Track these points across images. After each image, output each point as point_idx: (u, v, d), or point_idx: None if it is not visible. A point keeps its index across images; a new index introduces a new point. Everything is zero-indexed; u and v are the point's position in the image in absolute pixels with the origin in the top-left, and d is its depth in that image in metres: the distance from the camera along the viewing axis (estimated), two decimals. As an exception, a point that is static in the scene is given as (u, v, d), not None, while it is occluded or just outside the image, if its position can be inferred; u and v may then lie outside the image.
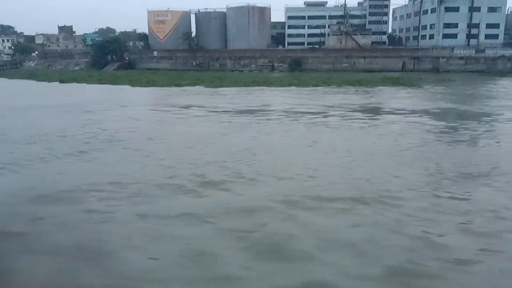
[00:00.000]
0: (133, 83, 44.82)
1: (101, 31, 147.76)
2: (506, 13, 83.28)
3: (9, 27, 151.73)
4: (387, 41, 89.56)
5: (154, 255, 6.92)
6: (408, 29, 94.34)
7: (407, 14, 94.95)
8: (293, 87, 39.58)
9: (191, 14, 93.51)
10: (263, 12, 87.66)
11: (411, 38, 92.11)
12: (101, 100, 29.22)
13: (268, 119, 20.59)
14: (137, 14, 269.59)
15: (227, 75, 60.13)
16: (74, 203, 9.03)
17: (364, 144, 14.79)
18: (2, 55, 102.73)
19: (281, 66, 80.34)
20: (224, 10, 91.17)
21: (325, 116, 21.63)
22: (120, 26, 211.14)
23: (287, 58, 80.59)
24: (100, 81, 48.36)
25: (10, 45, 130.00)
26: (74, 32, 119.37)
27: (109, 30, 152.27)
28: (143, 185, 10.14)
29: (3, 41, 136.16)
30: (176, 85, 42.06)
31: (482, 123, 19.83)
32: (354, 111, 23.71)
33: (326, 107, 25.09)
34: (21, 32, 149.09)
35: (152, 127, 18.71)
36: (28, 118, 21.04)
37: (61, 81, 49.25)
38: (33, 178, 10.82)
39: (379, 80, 46.64)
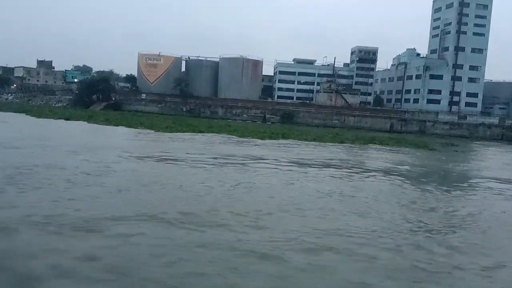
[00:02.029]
0: (154, 127, 42.43)
1: (77, 68, 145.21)
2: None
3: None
4: (371, 102, 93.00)
5: None
6: (390, 92, 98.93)
7: (389, 78, 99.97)
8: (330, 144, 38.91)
9: (182, 61, 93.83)
10: (256, 65, 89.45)
11: (393, 100, 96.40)
12: (176, 149, 27.01)
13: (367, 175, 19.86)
14: (114, 54, 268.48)
15: (233, 124, 59.42)
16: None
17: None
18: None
19: (273, 117, 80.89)
20: (215, 59, 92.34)
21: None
22: (95, 65, 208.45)
23: (279, 111, 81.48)
24: (108, 122, 46.20)
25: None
26: (53, 68, 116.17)
27: (86, 68, 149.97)
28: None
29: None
30: (199, 132, 40.73)
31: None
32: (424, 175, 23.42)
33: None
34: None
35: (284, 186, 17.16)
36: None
37: (67, 119, 46.75)
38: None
39: (389, 139, 47.38)
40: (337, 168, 22.47)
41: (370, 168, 23.52)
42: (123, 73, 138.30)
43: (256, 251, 9.04)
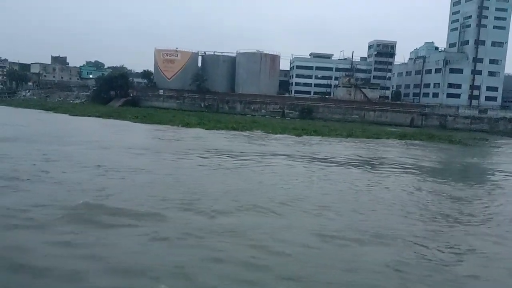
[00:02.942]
0: (205, 126, 41.70)
1: (89, 64, 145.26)
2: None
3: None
4: (389, 96, 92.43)
5: None
6: (407, 86, 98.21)
7: (406, 72, 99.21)
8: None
9: (198, 56, 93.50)
10: (274, 60, 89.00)
11: (411, 95, 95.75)
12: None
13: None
14: (122, 49, 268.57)
15: (258, 120, 59.00)
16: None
17: None
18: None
19: (292, 113, 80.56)
20: (231, 54, 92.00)
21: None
22: (105, 61, 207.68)
23: (298, 106, 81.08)
24: (141, 119, 45.91)
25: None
26: (68, 64, 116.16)
27: (98, 63, 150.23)
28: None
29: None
30: (233, 129, 40.41)
31: None
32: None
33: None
34: (4, 59, 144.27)
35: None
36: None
37: (100, 116, 46.69)
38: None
39: (420, 135, 46.95)
40: (420, 171, 22.04)
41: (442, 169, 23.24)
42: (133, 69, 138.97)
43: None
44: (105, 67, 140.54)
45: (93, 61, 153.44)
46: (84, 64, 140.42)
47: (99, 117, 46.82)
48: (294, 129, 44.22)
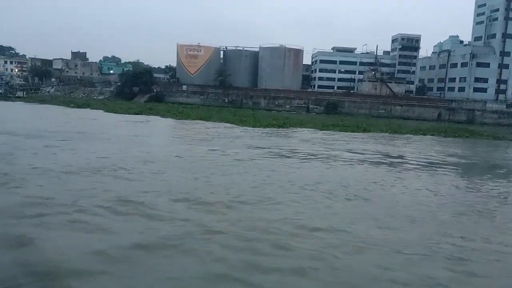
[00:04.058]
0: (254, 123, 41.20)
1: (105, 59, 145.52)
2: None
3: (10, 48, 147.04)
4: (414, 91, 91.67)
5: None
6: (431, 80, 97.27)
7: (430, 66, 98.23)
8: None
9: (220, 51, 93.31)
10: (298, 54, 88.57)
11: (434, 89, 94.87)
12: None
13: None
14: (134, 44, 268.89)
15: (290, 116, 58.60)
16: None
17: None
18: (14, 78, 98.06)
19: (317, 108, 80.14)
20: (253, 49, 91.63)
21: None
22: (123, 56, 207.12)
23: (323, 101, 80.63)
24: (186, 116, 45.57)
25: (15, 67, 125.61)
26: (87, 59, 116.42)
27: (115, 58, 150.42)
28: None
29: (5, 62, 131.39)
30: (269, 125, 39.85)
31: None
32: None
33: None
34: (22, 55, 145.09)
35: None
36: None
37: (139, 113, 46.81)
38: None
39: (461, 130, 46.38)
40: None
41: None
42: (150, 64, 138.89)
43: None
44: (121, 62, 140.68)
45: (110, 56, 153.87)
46: (101, 59, 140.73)
47: (138, 114, 46.77)
48: (336, 125, 43.70)
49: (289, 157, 21.13)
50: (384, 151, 25.85)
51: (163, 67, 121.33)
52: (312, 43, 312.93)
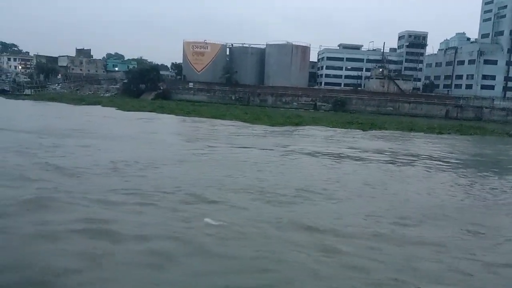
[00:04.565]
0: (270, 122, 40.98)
1: (108, 56, 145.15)
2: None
3: (13, 45, 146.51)
4: (420, 88, 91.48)
5: None
6: (437, 77, 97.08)
7: (436, 63, 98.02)
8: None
9: (226, 48, 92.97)
10: (305, 51, 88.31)
11: (441, 86, 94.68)
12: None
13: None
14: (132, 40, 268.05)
15: (303, 114, 58.30)
16: None
17: None
18: (19, 75, 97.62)
19: (324, 105, 79.90)
20: (259, 46, 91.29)
21: None
22: (126, 53, 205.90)
23: (330, 98, 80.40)
24: (191, 114, 45.65)
25: (18, 64, 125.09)
26: (91, 56, 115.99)
27: (118, 55, 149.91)
28: None
29: (8, 59, 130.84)
30: (306, 124, 39.67)
31: None
32: None
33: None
34: (25, 52, 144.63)
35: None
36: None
37: (153, 110, 46.68)
38: None
39: (470, 128, 46.26)
40: None
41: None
42: (153, 61, 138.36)
43: None
44: (125, 59, 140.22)
45: (113, 53, 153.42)
46: (104, 57, 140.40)
47: (151, 112, 46.64)
48: (359, 123, 43.43)
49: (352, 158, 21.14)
50: (414, 151, 25.74)
51: (165, 64, 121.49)
52: (310, 42, 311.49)
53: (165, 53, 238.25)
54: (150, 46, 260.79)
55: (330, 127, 38.75)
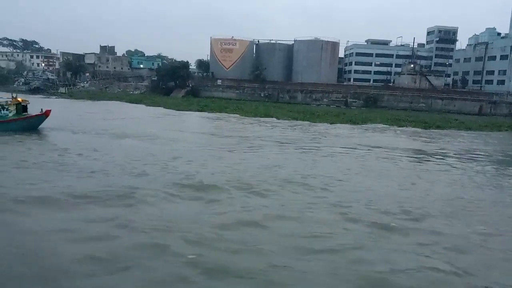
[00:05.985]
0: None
1: (129, 53, 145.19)
2: None
3: (34, 42, 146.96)
4: (450, 83, 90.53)
5: None
6: (466, 73, 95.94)
7: (465, 58, 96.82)
8: None
9: (254, 44, 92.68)
10: (335, 47, 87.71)
11: (470, 82, 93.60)
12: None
13: None
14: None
15: (345, 111, 58.26)
16: None
17: None
18: (46, 73, 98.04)
19: (355, 101, 79.34)
20: (286, 42, 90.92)
21: None
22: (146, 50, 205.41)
23: (362, 94, 79.84)
24: (243, 113, 45.46)
25: (41, 62, 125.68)
26: (115, 53, 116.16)
27: (138, 52, 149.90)
28: None
29: (31, 57, 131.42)
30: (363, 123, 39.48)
31: None
32: None
33: None
34: (47, 49, 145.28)
35: None
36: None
37: (201, 110, 46.66)
38: None
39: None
40: None
41: None
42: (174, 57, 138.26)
43: None
44: (145, 55, 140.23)
45: (133, 50, 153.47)
46: (124, 54, 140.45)
47: (200, 111, 46.60)
48: (410, 121, 42.97)
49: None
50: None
51: (185, 60, 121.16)
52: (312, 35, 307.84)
53: (181, 50, 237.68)
54: (169, 43, 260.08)
55: (388, 125, 38.50)
